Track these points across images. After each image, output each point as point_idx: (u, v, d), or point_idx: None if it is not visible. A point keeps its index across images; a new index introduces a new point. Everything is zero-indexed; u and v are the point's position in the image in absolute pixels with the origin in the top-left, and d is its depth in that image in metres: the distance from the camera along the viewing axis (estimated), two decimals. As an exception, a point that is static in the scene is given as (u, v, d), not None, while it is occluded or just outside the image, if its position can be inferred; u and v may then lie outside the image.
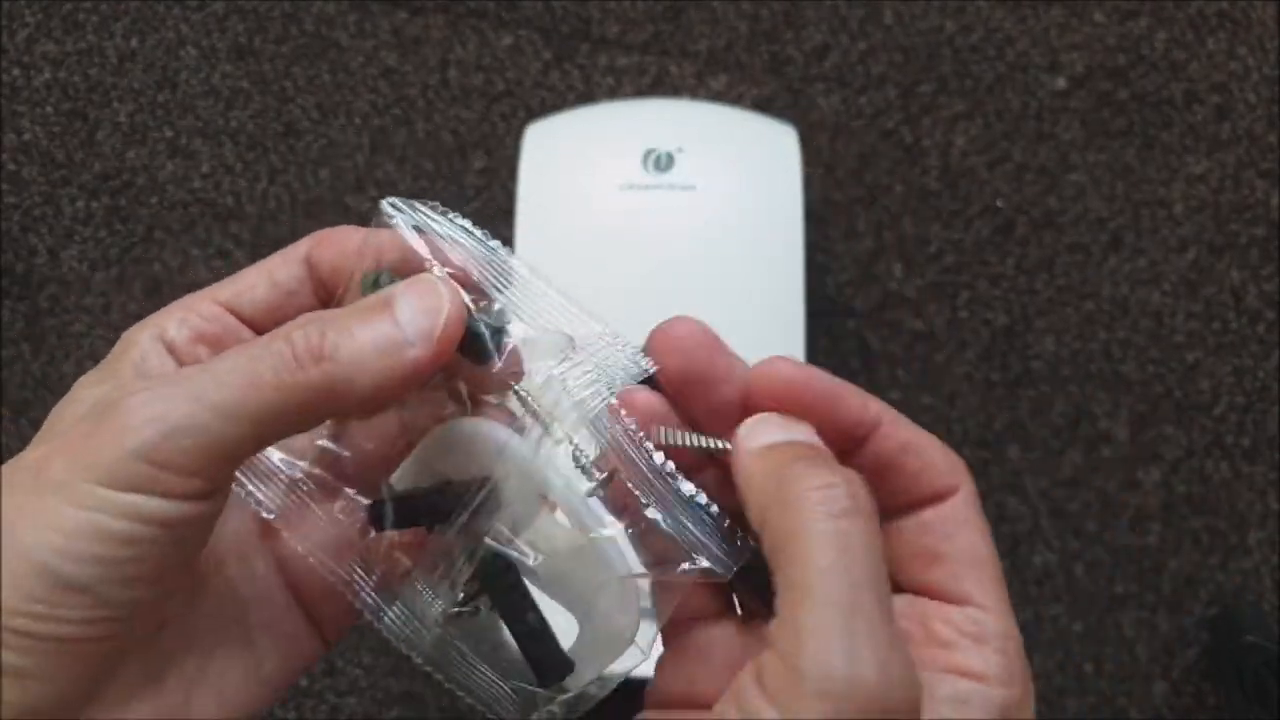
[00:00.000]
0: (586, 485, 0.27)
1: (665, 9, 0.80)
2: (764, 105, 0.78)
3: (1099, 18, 0.79)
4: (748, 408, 0.28)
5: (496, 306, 0.28)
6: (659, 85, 0.79)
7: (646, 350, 0.28)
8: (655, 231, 0.61)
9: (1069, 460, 0.74)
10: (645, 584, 0.28)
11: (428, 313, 0.26)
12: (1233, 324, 0.76)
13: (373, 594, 0.30)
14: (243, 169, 0.79)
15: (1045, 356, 0.75)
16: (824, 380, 0.27)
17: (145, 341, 0.28)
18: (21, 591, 0.23)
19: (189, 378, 0.25)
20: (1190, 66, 0.79)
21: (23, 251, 0.79)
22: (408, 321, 0.25)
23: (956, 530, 0.27)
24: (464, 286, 0.27)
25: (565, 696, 0.29)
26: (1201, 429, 0.74)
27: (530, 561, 0.28)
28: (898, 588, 0.27)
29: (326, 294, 0.30)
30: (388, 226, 0.29)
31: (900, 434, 0.27)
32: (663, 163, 0.62)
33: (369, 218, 0.30)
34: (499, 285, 0.28)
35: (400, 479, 0.29)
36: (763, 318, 0.61)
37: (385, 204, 0.29)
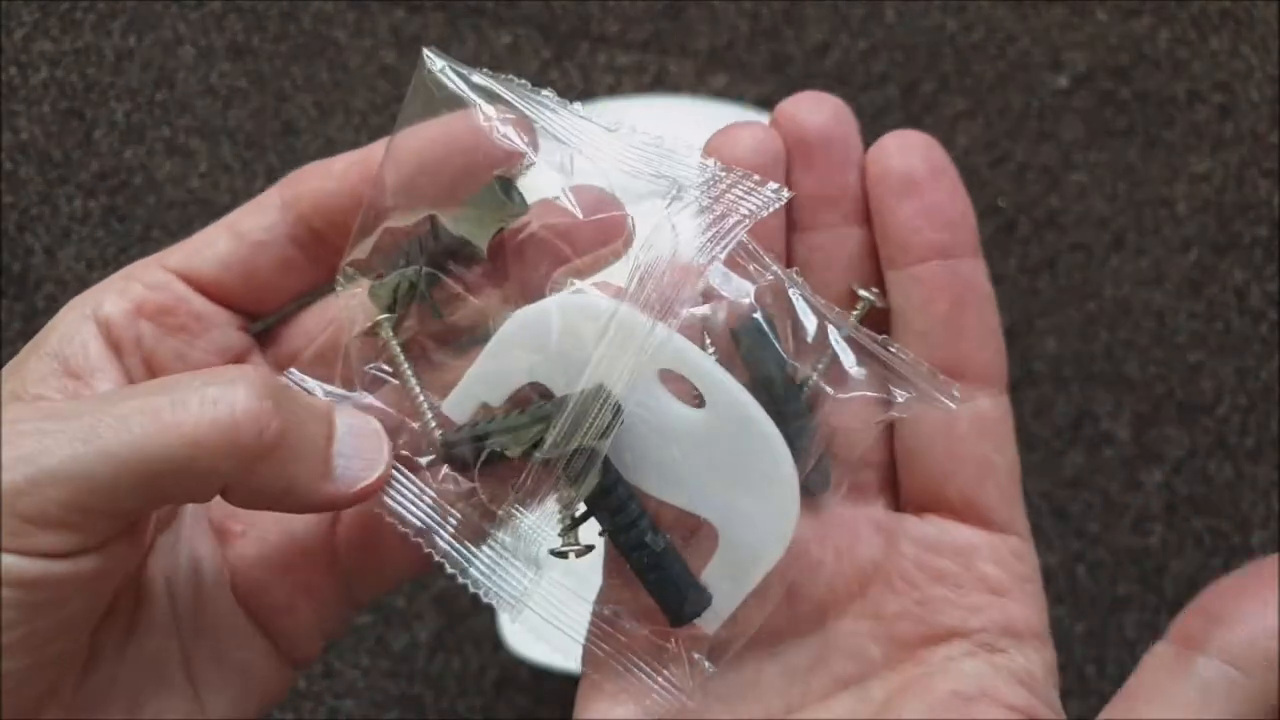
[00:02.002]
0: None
1: (665, 7, 0.79)
2: (765, 103, 0.78)
3: (1101, 16, 0.79)
4: (870, 164, 0.24)
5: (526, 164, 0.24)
6: (659, 83, 0.79)
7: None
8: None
9: (1070, 461, 0.74)
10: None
11: (364, 465, 0.23)
12: (1236, 324, 0.75)
13: (453, 542, 0.25)
14: (241, 168, 0.79)
15: (1047, 357, 0.75)
16: (957, 180, 0.24)
17: (70, 323, 0.24)
18: None
19: (83, 411, 0.20)
20: (1193, 65, 0.78)
21: (19, 251, 0.78)
22: (341, 464, 0.22)
23: (1006, 438, 0.25)
24: (528, 136, 0.24)
25: (710, 630, 0.23)
26: (1204, 430, 0.74)
27: (652, 462, 0.23)
28: (928, 505, 0.24)
29: (311, 236, 0.26)
30: (438, 80, 0.25)
31: (982, 282, 0.25)
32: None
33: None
34: (567, 136, 0.24)
35: (465, 397, 0.24)
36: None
37: (428, 53, 0.25)
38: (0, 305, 0.77)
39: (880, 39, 0.79)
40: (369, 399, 0.26)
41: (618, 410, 0.22)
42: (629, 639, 0.24)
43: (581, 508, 0.24)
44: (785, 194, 0.24)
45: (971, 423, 0.25)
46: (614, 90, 0.79)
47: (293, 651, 0.27)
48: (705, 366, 0.23)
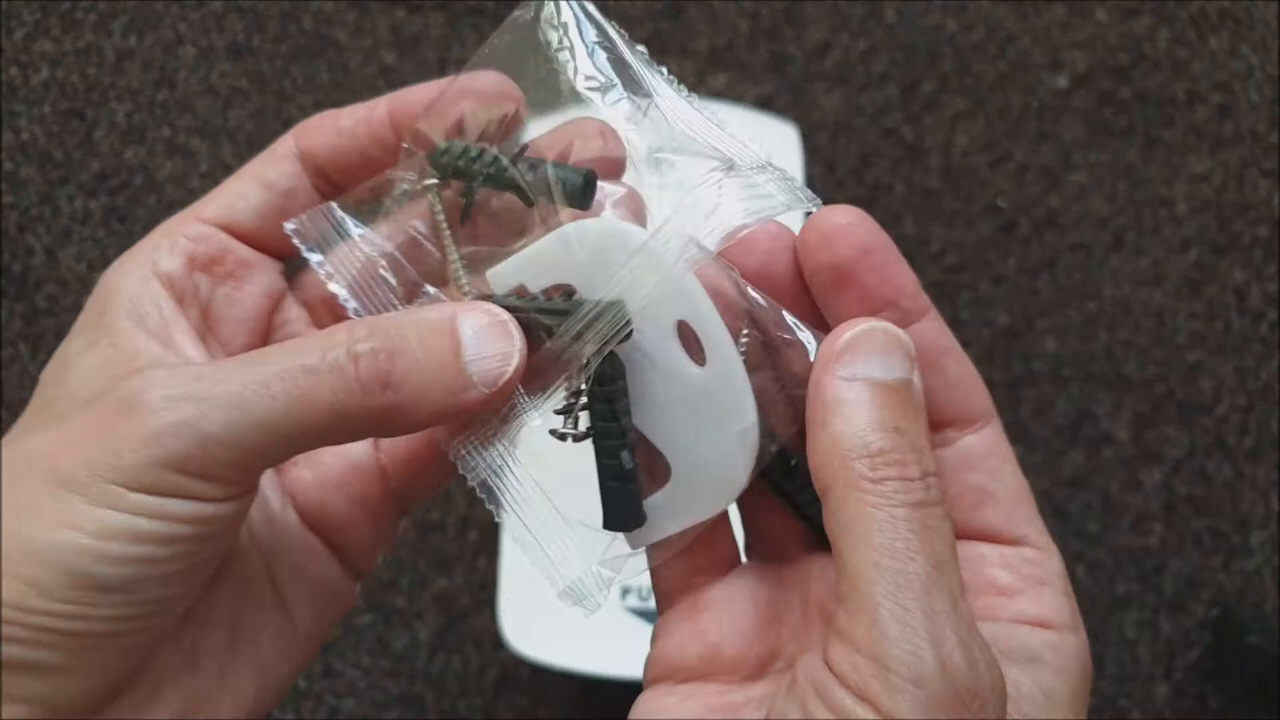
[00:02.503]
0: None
1: (666, 7, 0.79)
2: (765, 104, 0.78)
3: (1101, 16, 0.79)
4: (801, 261, 0.25)
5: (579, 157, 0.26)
6: (659, 84, 0.79)
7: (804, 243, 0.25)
8: (655, 231, 0.61)
9: (1070, 461, 0.74)
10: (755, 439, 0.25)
11: (499, 358, 0.24)
12: (1235, 324, 0.76)
13: (470, 441, 0.26)
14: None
15: (1047, 357, 0.75)
16: (887, 245, 0.25)
17: (135, 284, 0.26)
18: (46, 592, 0.22)
19: (225, 376, 0.23)
20: (1192, 65, 0.78)
21: (20, 251, 0.78)
22: (474, 360, 0.24)
23: (1000, 465, 0.25)
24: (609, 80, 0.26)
25: (624, 554, 0.26)
26: (1203, 429, 0.74)
27: (644, 384, 0.25)
28: None
29: (328, 184, 0.28)
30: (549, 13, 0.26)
31: (945, 335, 0.25)
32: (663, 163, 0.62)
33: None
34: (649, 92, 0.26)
35: (499, 276, 0.26)
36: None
37: None
38: (1, 305, 0.78)
39: (880, 39, 0.79)
40: (390, 247, 0.27)
41: (628, 323, 0.24)
42: (550, 520, 0.27)
43: (583, 402, 0.26)
44: (817, 203, 0.25)
45: (958, 462, 0.25)
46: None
47: (355, 564, 0.30)
48: (713, 321, 0.24)
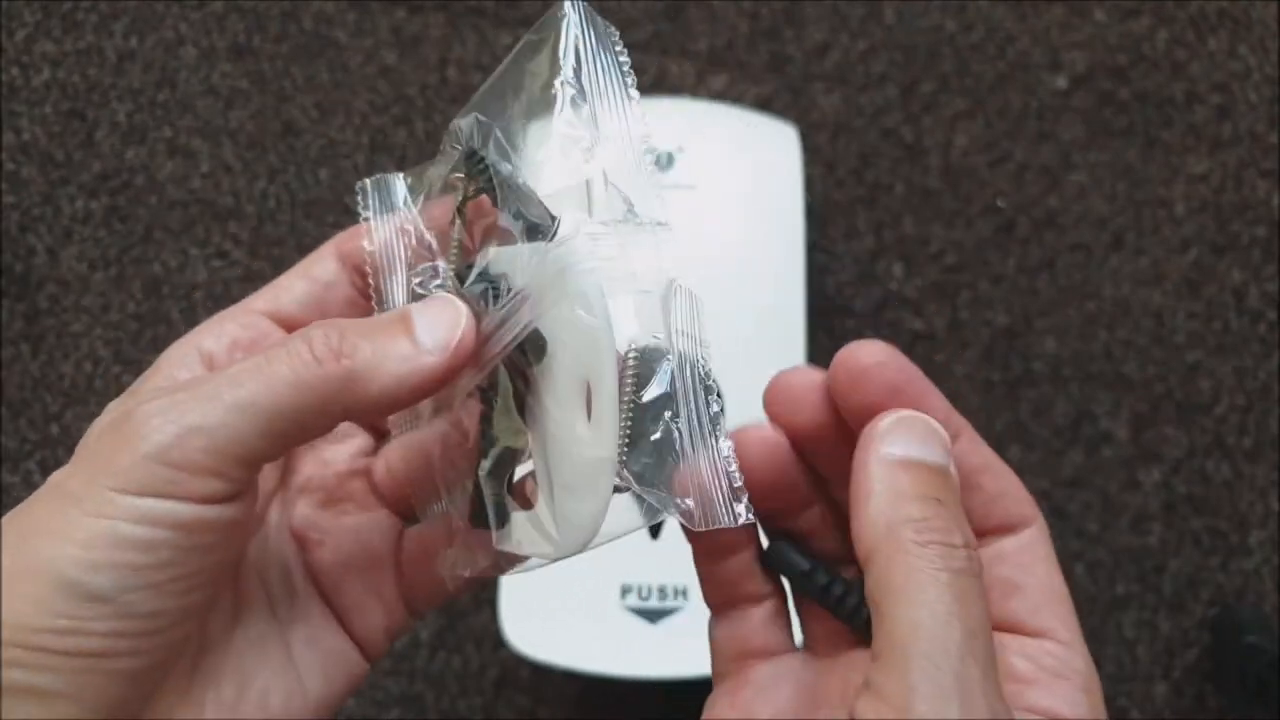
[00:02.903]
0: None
1: (665, 8, 0.79)
2: (764, 104, 0.78)
3: (1100, 17, 0.79)
4: (835, 399, 0.26)
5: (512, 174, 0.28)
6: (659, 84, 0.79)
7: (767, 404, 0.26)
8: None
9: (1070, 460, 0.74)
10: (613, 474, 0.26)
11: (446, 325, 0.26)
12: (1234, 324, 0.76)
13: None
14: (242, 168, 0.79)
15: (1046, 357, 0.75)
16: (917, 379, 0.26)
17: (179, 357, 0.28)
18: (43, 607, 0.22)
19: (204, 380, 0.25)
20: (1191, 66, 0.78)
21: (21, 251, 0.79)
22: (425, 332, 0.26)
23: (1034, 563, 0.26)
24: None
25: (504, 547, 0.28)
26: (1202, 429, 0.74)
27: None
28: None
29: (363, 281, 0.31)
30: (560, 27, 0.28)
31: (981, 452, 0.26)
32: (663, 162, 0.62)
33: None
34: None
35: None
36: (763, 317, 0.61)
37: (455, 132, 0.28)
38: (2, 305, 0.78)
39: (880, 39, 0.79)
40: (423, 226, 0.30)
41: (542, 343, 0.26)
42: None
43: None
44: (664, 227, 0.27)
45: (991, 558, 0.26)
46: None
47: (364, 646, 0.31)
48: (608, 383, 0.26)
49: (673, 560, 0.56)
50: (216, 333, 0.29)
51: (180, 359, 0.28)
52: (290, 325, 0.30)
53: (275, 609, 0.29)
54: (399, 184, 0.30)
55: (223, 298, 0.76)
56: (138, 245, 0.78)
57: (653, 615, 0.56)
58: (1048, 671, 0.25)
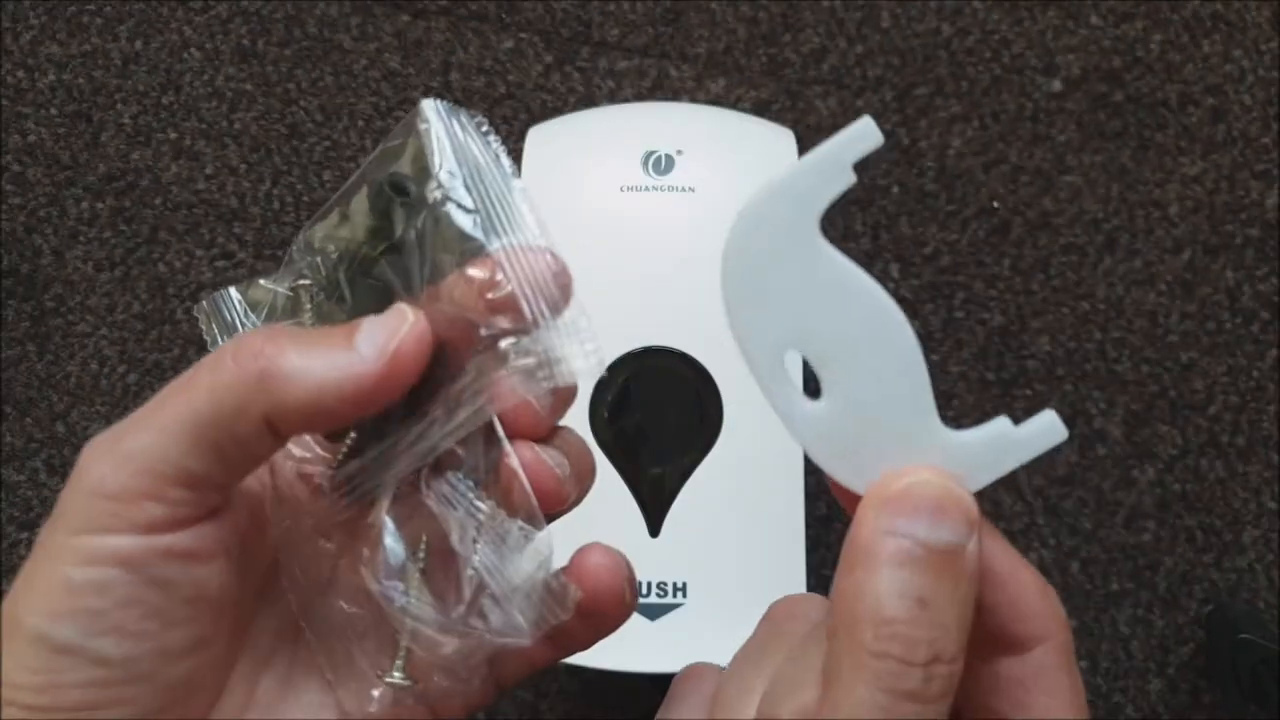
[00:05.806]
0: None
1: (664, 12, 0.80)
2: (762, 108, 0.78)
3: (1095, 20, 0.80)
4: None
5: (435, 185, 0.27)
6: (658, 88, 0.80)
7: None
8: (655, 233, 0.62)
9: (1064, 458, 0.74)
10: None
11: (387, 332, 0.24)
12: (1227, 324, 0.76)
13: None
14: (246, 171, 0.80)
15: (1040, 356, 0.76)
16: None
17: None
18: (20, 663, 0.22)
19: (142, 408, 0.24)
20: (1185, 69, 0.79)
21: (27, 252, 0.79)
22: (365, 339, 0.24)
23: (1028, 696, 0.23)
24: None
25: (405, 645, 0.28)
26: (1196, 428, 0.75)
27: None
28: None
29: None
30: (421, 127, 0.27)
31: (995, 560, 0.23)
32: (662, 165, 0.62)
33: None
34: (503, 223, 0.26)
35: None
36: (761, 318, 0.62)
37: (425, 105, 0.28)
38: (8, 305, 0.78)
39: (876, 43, 0.80)
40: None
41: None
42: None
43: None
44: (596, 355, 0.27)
45: (989, 684, 0.23)
46: (614, 95, 0.80)
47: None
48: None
49: (673, 557, 0.57)
50: None
51: None
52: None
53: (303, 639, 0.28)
54: (233, 297, 0.29)
55: (227, 298, 0.76)
56: (143, 246, 0.79)
57: (653, 611, 0.57)
58: None
